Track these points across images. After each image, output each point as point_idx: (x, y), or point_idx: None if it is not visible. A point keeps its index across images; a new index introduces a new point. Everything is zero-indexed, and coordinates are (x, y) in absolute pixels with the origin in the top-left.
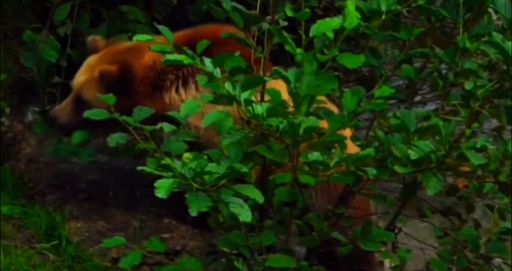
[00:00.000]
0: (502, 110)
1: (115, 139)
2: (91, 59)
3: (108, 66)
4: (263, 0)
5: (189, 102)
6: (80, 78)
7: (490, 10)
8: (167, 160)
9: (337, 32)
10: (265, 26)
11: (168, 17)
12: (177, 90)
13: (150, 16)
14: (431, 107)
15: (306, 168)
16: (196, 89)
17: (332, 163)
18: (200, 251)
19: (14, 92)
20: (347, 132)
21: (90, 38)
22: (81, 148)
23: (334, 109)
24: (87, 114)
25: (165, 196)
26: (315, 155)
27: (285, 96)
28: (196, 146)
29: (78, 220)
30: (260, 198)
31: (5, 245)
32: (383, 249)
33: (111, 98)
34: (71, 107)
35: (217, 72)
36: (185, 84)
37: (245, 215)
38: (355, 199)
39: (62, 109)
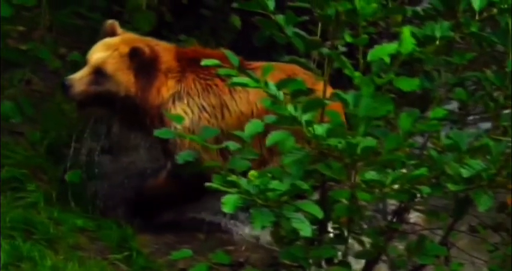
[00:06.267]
0: None
1: (183, 156)
2: (109, 40)
3: (142, 45)
4: (323, 27)
5: (252, 122)
6: (98, 54)
7: None
8: (233, 177)
9: (393, 56)
10: (325, 50)
11: (232, 42)
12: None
13: (216, 41)
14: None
15: (363, 185)
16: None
17: (388, 182)
18: (262, 263)
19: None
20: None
21: (109, 22)
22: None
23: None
24: (156, 133)
25: (231, 211)
26: (371, 174)
27: None
28: None
29: (147, 233)
30: (319, 214)
31: (80, 256)
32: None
33: (179, 118)
34: (89, 78)
35: (280, 94)
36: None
37: (305, 230)
38: None
39: (79, 79)
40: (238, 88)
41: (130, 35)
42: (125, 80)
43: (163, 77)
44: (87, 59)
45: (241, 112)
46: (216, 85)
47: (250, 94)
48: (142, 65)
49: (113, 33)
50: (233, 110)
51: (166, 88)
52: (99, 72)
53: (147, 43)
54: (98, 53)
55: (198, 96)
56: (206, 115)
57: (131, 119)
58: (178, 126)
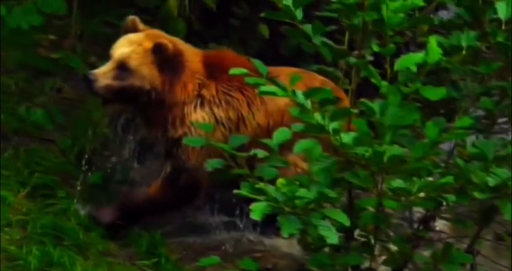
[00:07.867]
0: None
1: (212, 164)
2: (133, 35)
3: (166, 41)
4: (350, 36)
5: (280, 130)
6: (122, 49)
7: None
8: (261, 185)
9: (420, 65)
10: (352, 60)
11: (260, 51)
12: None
13: (244, 50)
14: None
15: (390, 193)
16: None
17: (414, 190)
18: (289, 269)
19: (117, 120)
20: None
21: (130, 18)
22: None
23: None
24: (185, 140)
25: (259, 218)
26: (397, 182)
27: None
28: None
29: (176, 239)
30: (346, 222)
31: (109, 262)
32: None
33: (208, 126)
34: (113, 73)
35: (308, 103)
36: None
37: (332, 237)
38: None
39: (103, 74)
40: (256, 100)
41: (154, 31)
42: (149, 74)
43: (189, 75)
44: (110, 54)
45: (258, 124)
46: (237, 99)
47: (268, 105)
48: (166, 60)
49: (134, 29)
50: (249, 123)
51: (192, 86)
52: (122, 67)
53: (171, 40)
54: (121, 48)
55: (218, 107)
56: (222, 128)
57: (152, 115)
58: (194, 133)
